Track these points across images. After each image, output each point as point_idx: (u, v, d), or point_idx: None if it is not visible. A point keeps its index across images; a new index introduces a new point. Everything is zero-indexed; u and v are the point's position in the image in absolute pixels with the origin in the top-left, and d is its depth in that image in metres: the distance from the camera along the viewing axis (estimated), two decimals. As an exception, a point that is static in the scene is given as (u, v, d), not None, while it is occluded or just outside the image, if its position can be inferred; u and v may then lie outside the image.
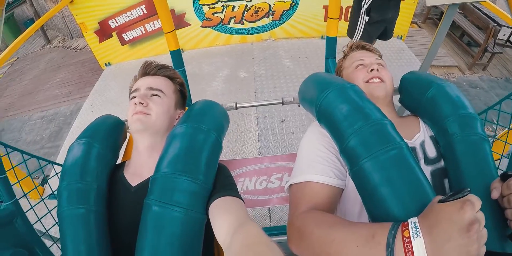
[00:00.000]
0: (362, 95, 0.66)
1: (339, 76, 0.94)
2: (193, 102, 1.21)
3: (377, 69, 0.81)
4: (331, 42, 1.47)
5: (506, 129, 1.16)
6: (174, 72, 0.86)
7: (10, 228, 0.73)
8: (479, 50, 3.85)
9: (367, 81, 0.81)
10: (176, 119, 0.82)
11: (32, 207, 0.89)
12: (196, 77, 3.20)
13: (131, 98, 0.78)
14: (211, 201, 0.63)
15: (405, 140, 0.58)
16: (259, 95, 2.92)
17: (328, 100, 0.66)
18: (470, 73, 3.84)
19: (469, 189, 0.42)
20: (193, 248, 0.61)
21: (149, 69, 0.82)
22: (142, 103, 0.74)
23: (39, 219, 0.89)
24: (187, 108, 0.86)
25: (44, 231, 0.90)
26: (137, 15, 3.40)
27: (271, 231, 1.22)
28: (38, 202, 0.95)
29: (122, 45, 3.61)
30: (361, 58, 0.87)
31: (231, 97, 2.93)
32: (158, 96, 0.77)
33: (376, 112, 0.61)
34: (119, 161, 0.84)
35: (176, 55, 1.42)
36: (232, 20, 3.52)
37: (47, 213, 0.92)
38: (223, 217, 0.57)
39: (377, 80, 0.80)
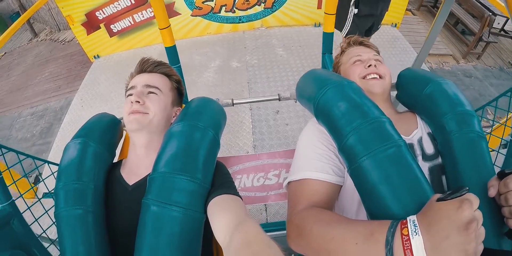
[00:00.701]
0: (360, 93, 0.65)
1: (337, 72, 0.94)
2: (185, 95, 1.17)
3: (375, 65, 0.81)
4: (327, 38, 1.45)
5: (503, 122, 1.16)
6: (171, 69, 0.85)
7: (7, 229, 0.72)
8: (474, 39, 3.83)
9: (364, 77, 0.81)
10: (173, 117, 0.82)
11: (28, 208, 0.88)
12: (187, 68, 3.10)
13: (127, 96, 0.76)
14: (210, 199, 0.62)
15: (403, 136, 0.59)
16: (252, 85, 2.88)
17: (326, 97, 0.66)
18: (465, 62, 3.82)
19: (467, 188, 0.42)
20: (192, 248, 0.61)
21: (146, 66, 0.81)
22: (138, 102, 0.73)
23: (36, 220, 0.88)
24: (184, 105, 0.85)
25: (41, 231, 0.89)
26: (125, 5, 3.30)
27: (268, 227, 1.23)
28: (34, 203, 0.93)
29: (110, 37, 3.51)
30: (358, 53, 0.87)
31: (223, 89, 2.88)
32: (155, 93, 0.76)
33: (374, 110, 0.61)
34: (115, 159, 0.83)
35: (172, 51, 1.39)
36: (223, 8, 3.43)
37: (44, 213, 0.91)
38: (221, 216, 0.57)
39: (375, 76, 0.80)
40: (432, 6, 4.64)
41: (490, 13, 3.77)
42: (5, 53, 4.87)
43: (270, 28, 3.64)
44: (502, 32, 4.26)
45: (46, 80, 3.84)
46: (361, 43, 0.93)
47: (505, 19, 4.09)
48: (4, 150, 0.95)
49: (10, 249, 0.68)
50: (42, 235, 0.88)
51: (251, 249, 0.44)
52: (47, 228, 0.89)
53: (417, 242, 0.40)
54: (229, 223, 0.53)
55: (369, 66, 0.81)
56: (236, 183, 1.21)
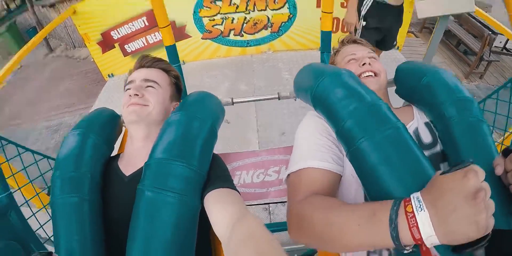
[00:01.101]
0: (357, 80, 0.67)
1: None
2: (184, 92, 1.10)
3: (369, 63, 0.81)
4: (325, 37, 1.45)
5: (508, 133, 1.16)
6: (169, 65, 0.87)
7: (4, 221, 0.74)
8: (475, 59, 3.90)
9: (359, 75, 0.81)
10: (171, 111, 0.81)
11: (26, 201, 0.89)
12: (197, 90, 3.22)
13: (126, 90, 0.77)
14: (207, 192, 0.61)
15: None
16: (258, 107, 2.98)
17: (323, 85, 0.66)
18: (467, 82, 3.89)
19: (471, 160, 0.40)
20: (187, 235, 0.59)
21: (145, 61, 0.82)
22: (137, 95, 0.73)
23: (33, 214, 0.89)
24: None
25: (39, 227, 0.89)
26: (139, 27, 3.43)
27: (271, 228, 1.21)
28: (32, 197, 0.95)
29: (124, 56, 3.65)
30: (352, 52, 0.87)
31: (231, 110, 2.97)
32: (153, 87, 0.78)
33: (372, 94, 0.61)
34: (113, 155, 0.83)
35: (172, 50, 1.40)
36: (232, 32, 3.56)
37: (41, 208, 0.92)
38: (221, 210, 0.56)
39: (370, 73, 0.80)
40: (434, 28, 4.73)
41: (490, 32, 3.83)
42: (21, 66, 5.07)
43: (277, 52, 3.73)
44: (504, 51, 4.32)
45: (61, 96, 3.99)
46: (354, 41, 0.93)
47: (507, 38, 4.16)
48: (21, 150, 0.98)
49: (5, 240, 0.69)
50: (39, 233, 0.89)
51: (251, 244, 0.43)
52: (44, 224, 0.89)
53: (423, 218, 0.38)
54: (229, 218, 0.53)
55: (363, 64, 0.81)
56: (236, 180, 1.18)
